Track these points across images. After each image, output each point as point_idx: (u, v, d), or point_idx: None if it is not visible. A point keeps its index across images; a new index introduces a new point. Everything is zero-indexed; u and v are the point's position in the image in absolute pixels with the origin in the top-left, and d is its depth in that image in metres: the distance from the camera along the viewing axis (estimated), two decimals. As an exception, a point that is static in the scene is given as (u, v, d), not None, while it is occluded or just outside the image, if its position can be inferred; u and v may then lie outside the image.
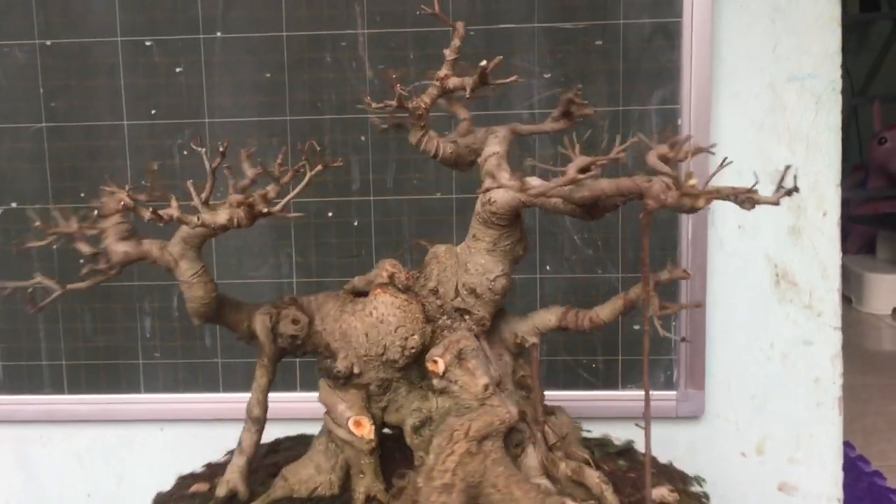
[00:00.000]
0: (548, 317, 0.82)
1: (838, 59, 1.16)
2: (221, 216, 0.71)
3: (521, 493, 0.70)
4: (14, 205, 1.25)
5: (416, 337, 0.76)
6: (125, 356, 1.27)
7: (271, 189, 0.70)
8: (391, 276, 0.79)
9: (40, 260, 1.26)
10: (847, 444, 2.04)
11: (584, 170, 0.66)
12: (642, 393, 1.23)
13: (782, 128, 1.19)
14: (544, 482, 0.74)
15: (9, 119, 1.23)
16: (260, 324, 0.81)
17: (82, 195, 1.25)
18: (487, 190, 0.73)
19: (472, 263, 0.77)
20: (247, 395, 1.27)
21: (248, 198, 0.70)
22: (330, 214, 1.23)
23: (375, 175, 1.22)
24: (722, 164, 0.69)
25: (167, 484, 1.30)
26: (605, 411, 1.23)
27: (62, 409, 1.28)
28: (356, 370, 0.77)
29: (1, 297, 1.24)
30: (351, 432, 0.77)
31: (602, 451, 0.91)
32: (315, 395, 0.91)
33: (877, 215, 3.66)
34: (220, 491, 0.82)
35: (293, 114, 1.22)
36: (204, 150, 0.74)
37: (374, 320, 0.77)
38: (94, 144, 1.24)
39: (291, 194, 0.70)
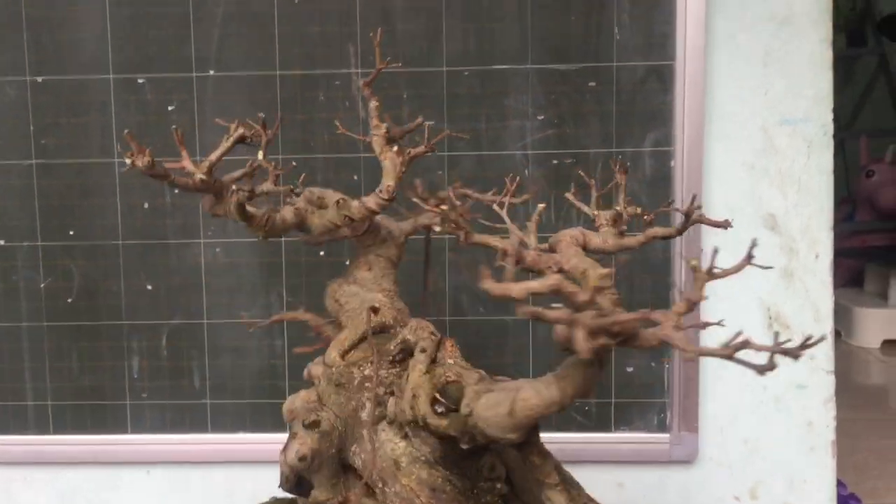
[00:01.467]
0: None
1: (830, 103, 1.17)
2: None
3: None
4: (2, 242, 1.24)
5: None
6: (112, 396, 1.26)
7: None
8: None
9: (28, 300, 1.24)
10: (839, 483, 2.03)
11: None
12: (636, 435, 1.23)
13: (774, 170, 1.19)
14: None
15: (-2, 156, 1.23)
16: None
17: (71, 233, 1.24)
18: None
19: None
20: (235, 437, 1.27)
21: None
22: (322, 254, 1.23)
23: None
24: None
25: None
26: (597, 455, 1.23)
27: (47, 449, 1.26)
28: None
29: (-14, 337, 1.22)
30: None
31: None
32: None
33: (864, 248, 3.68)
34: None
35: (286, 152, 1.21)
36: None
37: None
38: (84, 182, 1.23)
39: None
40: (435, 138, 0.83)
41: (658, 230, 0.77)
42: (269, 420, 1.25)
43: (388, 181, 0.79)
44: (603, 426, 1.23)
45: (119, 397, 1.26)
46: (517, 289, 0.54)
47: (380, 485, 0.73)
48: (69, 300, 1.25)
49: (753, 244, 0.61)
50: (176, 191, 1.22)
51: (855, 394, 2.81)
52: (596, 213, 0.78)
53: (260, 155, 0.80)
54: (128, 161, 0.71)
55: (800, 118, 1.18)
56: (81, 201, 1.23)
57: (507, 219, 0.71)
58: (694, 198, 0.79)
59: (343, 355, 0.81)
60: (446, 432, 0.68)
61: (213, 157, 0.75)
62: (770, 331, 1.21)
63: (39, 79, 1.22)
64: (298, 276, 1.23)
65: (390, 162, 0.80)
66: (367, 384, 0.77)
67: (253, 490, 1.13)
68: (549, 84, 1.19)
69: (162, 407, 1.26)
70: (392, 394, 0.74)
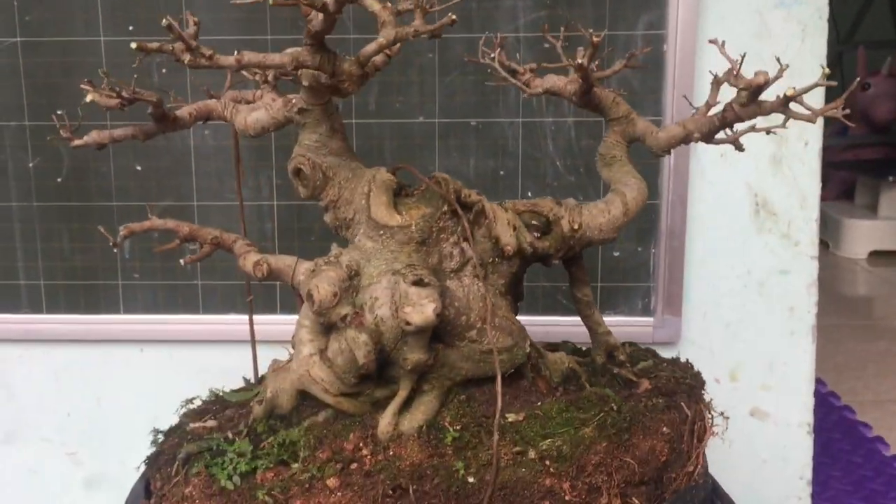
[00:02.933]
0: None
1: (826, -14, 1.16)
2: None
3: None
4: (-11, 121, 1.23)
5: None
6: (104, 277, 1.27)
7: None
8: None
9: (17, 179, 1.24)
10: (819, 381, 2.08)
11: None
12: (621, 318, 1.25)
13: (768, 54, 1.18)
14: None
15: (-18, 32, 1.21)
16: None
17: (59, 112, 1.22)
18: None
19: None
20: (226, 318, 1.28)
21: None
22: (311, 136, 1.22)
23: (357, 98, 1.21)
24: None
25: (146, 404, 1.31)
26: (582, 337, 1.25)
27: (40, 328, 1.28)
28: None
29: (-23, 214, 1.23)
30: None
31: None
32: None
33: (857, 161, 3.68)
34: None
35: (274, 33, 1.20)
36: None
37: None
38: (70, 60, 1.21)
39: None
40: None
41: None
42: (260, 301, 1.27)
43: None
44: (589, 309, 1.25)
45: (111, 278, 1.27)
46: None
47: (478, 324, 0.79)
48: (59, 180, 1.25)
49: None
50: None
51: (840, 303, 2.85)
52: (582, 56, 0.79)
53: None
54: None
55: (794, 1, 1.16)
56: (67, 80, 1.22)
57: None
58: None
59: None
60: (548, 251, 0.84)
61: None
62: (757, 217, 1.23)
63: (22, -46, 1.19)
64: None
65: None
66: (442, 235, 0.81)
67: (244, 368, 1.15)
68: (542, -37, 1.17)
69: (154, 287, 1.27)
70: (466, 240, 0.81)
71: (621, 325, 1.25)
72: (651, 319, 1.24)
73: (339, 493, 0.71)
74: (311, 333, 0.81)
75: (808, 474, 1.28)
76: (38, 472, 1.35)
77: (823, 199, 1.25)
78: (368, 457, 0.74)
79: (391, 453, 0.74)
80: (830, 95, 1.23)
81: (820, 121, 1.20)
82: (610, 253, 1.23)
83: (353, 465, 0.74)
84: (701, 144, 1.20)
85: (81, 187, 1.25)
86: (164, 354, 1.30)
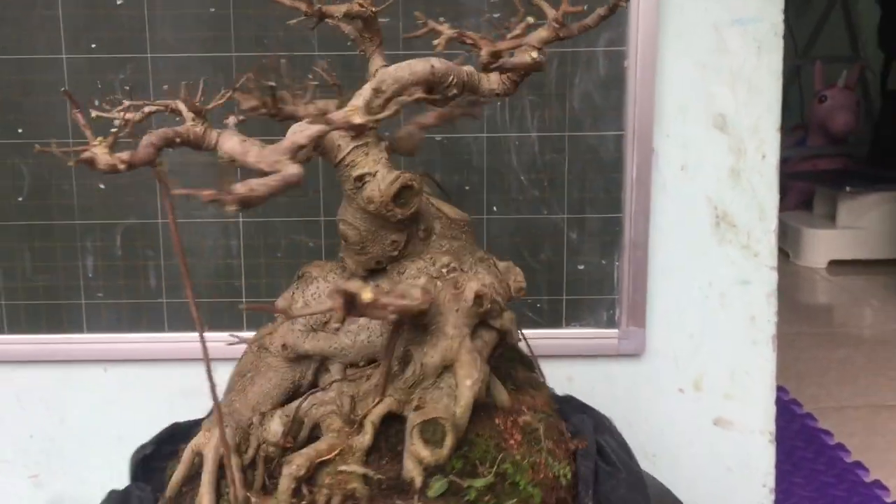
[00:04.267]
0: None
1: (781, 3, 1.18)
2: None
3: (228, 398, 0.77)
4: (-53, 140, 1.22)
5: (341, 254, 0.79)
6: (67, 296, 1.25)
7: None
8: None
9: (-24, 197, 1.23)
10: (780, 389, 2.12)
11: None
12: (586, 331, 1.27)
13: (725, 70, 1.21)
14: (272, 419, 0.76)
15: (-60, 50, 1.19)
16: None
17: (20, 131, 1.21)
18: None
19: None
20: (192, 336, 1.27)
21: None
22: (276, 153, 1.22)
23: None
24: None
25: (110, 424, 1.29)
26: (548, 349, 1.26)
27: (1, 349, 1.26)
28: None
29: (-65, 234, 1.21)
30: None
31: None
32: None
33: (815, 172, 3.75)
34: None
35: (239, 50, 1.20)
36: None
37: None
38: (30, 78, 1.20)
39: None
40: None
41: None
42: (226, 319, 1.26)
43: None
44: (554, 322, 1.26)
45: (74, 297, 1.25)
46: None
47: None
48: (20, 199, 1.23)
49: None
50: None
51: (801, 312, 2.90)
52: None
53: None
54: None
55: (751, 18, 1.19)
56: (27, 98, 1.21)
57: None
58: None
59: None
60: None
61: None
62: (717, 229, 1.25)
63: (-19, -29, 1.18)
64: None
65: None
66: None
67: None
68: (504, -18, 1.18)
69: (118, 306, 1.26)
70: None
71: (587, 338, 1.27)
72: (616, 331, 1.26)
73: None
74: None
75: (772, 482, 1.30)
76: (0, 495, 1.32)
77: (783, 209, 1.28)
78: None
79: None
80: (788, 108, 1.26)
81: (776, 134, 1.23)
82: (574, 266, 1.25)
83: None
84: (662, 158, 1.23)
85: (43, 206, 1.23)
86: (129, 374, 1.29)
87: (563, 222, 1.24)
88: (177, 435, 0.90)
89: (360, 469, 0.70)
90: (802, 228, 3.43)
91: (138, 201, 1.23)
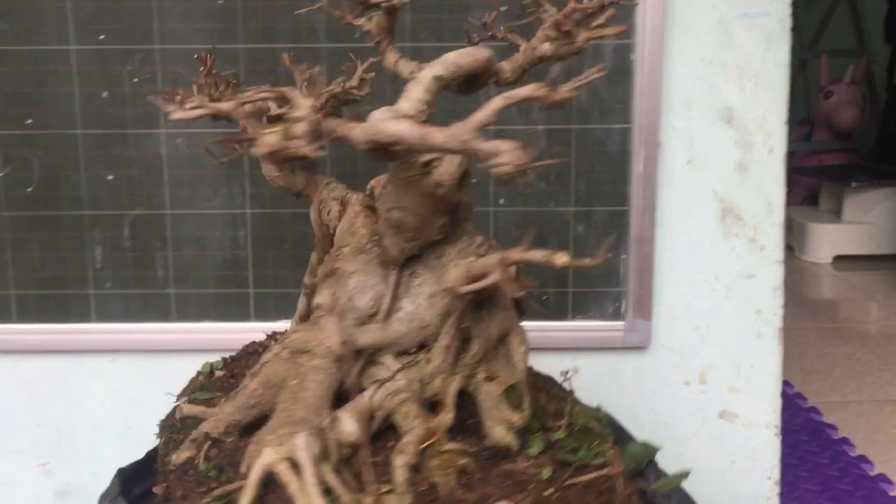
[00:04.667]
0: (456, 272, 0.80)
1: (788, -3, 1.19)
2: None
3: (282, 406, 0.71)
4: (-43, 130, 1.22)
5: (346, 248, 0.79)
6: (75, 286, 1.26)
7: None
8: (371, 189, 0.80)
9: (-14, 187, 1.23)
10: (785, 383, 2.12)
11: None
12: (592, 323, 1.27)
13: (732, 64, 1.21)
14: (344, 418, 0.72)
15: (-50, 41, 1.20)
16: (312, 207, 0.88)
17: (29, 122, 1.22)
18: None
19: (384, 191, 0.77)
20: (200, 326, 1.28)
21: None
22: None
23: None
24: None
25: (118, 414, 1.30)
26: (554, 342, 1.27)
27: (11, 338, 1.27)
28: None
29: (-55, 224, 1.22)
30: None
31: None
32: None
33: (820, 167, 3.75)
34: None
35: (246, 42, 1.20)
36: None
37: (344, 225, 0.81)
38: (40, 70, 1.21)
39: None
40: None
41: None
42: (233, 309, 1.27)
43: None
44: (560, 314, 1.27)
45: (82, 287, 1.26)
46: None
47: None
48: (29, 190, 1.24)
49: None
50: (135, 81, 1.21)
51: (806, 306, 2.90)
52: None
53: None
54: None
55: (759, 12, 1.19)
56: (37, 89, 1.21)
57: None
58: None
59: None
60: None
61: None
62: (724, 222, 1.25)
63: (-9, -38, 1.18)
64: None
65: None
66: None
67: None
68: (511, -26, 1.18)
69: (126, 297, 1.27)
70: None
71: (593, 330, 1.27)
72: (622, 324, 1.26)
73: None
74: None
75: (777, 475, 1.31)
76: (10, 483, 1.33)
77: (789, 204, 1.28)
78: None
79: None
80: (793, 102, 1.27)
81: (784, 127, 1.23)
82: (581, 258, 1.25)
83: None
84: (668, 152, 1.23)
85: (52, 197, 1.24)
86: (137, 364, 1.30)
87: (569, 215, 1.24)
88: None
89: (457, 446, 0.72)
90: (808, 223, 3.43)
91: (146, 192, 1.24)
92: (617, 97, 1.21)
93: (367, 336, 0.75)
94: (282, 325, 1.24)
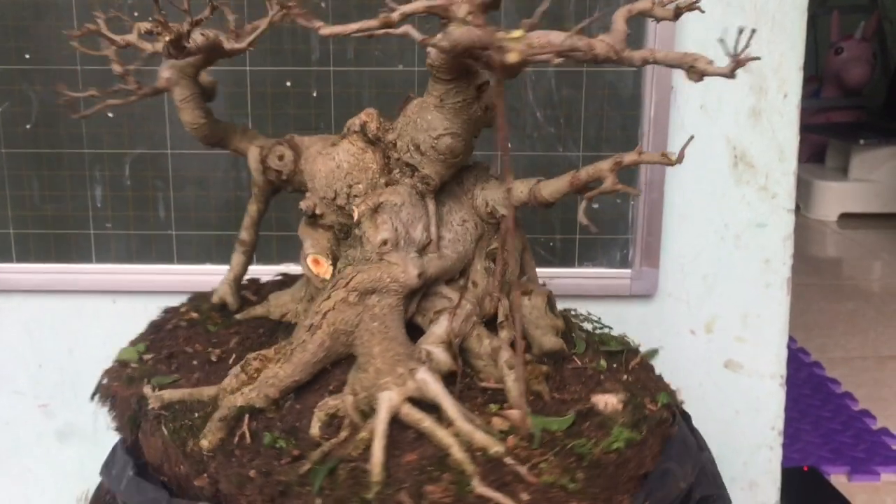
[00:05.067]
0: (520, 187, 0.81)
1: (808, -62, 1.15)
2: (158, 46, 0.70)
3: (379, 349, 0.69)
4: (-46, 64, 1.20)
5: (360, 185, 0.76)
6: (75, 226, 1.24)
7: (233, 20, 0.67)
8: (363, 125, 0.77)
9: (-16, 123, 1.21)
10: (789, 338, 2.12)
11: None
12: (599, 270, 1.25)
13: (749, 6, 1.17)
14: (436, 350, 0.72)
15: (-55, -29, 1.17)
16: (252, 155, 0.84)
17: (27, 56, 1.19)
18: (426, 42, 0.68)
19: (421, 119, 0.74)
20: (201, 268, 1.27)
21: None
22: (288, 84, 1.20)
23: (336, 45, 1.19)
24: None
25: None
26: (561, 289, 1.25)
27: (10, 278, 1.26)
28: (318, 211, 0.77)
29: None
30: (309, 268, 0.77)
31: (606, 350, 0.88)
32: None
33: (828, 124, 3.71)
34: (213, 299, 0.89)
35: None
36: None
37: (333, 165, 0.76)
38: (39, 2, 1.17)
39: (259, 31, 0.67)
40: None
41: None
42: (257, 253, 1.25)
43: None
44: (567, 262, 1.25)
45: (83, 227, 1.24)
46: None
47: None
48: (28, 126, 1.21)
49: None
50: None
51: (810, 263, 2.89)
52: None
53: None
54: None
55: (777, -47, 1.16)
56: (37, 22, 1.18)
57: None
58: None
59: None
60: None
61: None
62: (735, 170, 1.23)
63: None
64: (264, 107, 1.21)
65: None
66: None
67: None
68: None
69: (127, 237, 1.25)
70: None
71: (599, 277, 1.26)
72: (629, 272, 1.25)
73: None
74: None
75: (780, 425, 1.30)
76: (10, 423, 1.33)
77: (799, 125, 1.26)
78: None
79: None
80: (804, 56, 1.23)
81: (799, 73, 1.20)
82: (588, 205, 1.23)
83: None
84: (681, 97, 1.20)
85: (52, 134, 1.22)
86: (138, 305, 1.28)
87: (578, 160, 1.22)
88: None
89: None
90: (814, 181, 3.40)
91: (147, 131, 1.22)
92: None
93: (433, 267, 0.74)
94: (262, 269, 1.22)
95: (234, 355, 0.82)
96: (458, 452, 0.63)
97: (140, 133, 1.22)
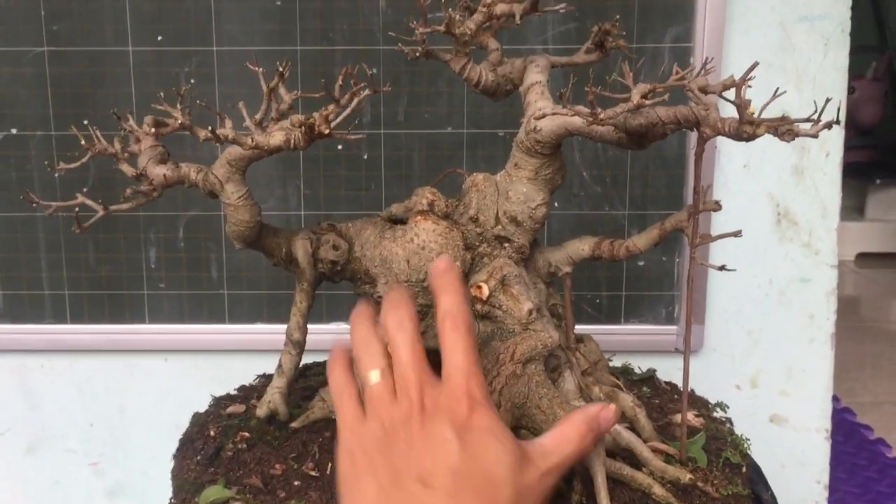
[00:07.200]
0: (581, 246, 0.84)
1: (848, 1, 1.18)
2: (276, 137, 0.71)
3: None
4: (14, 131, 1.22)
5: (457, 263, 0.77)
6: (129, 287, 1.26)
7: (332, 109, 0.69)
8: (431, 204, 0.79)
9: (42, 189, 1.24)
10: (834, 398, 2.12)
11: (644, 97, 0.67)
12: (643, 327, 1.27)
13: (791, 68, 1.20)
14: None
15: (9, 42, 1.20)
16: (301, 249, 0.81)
17: (85, 122, 1.22)
18: (536, 117, 0.74)
19: (514, 192, 0.78)
20: (252, 327, 1.29)
21: (308, 118, 0.69)
22: (339, 147, 1.23)
23: (386, 108, 1.22)
24: (751, 68, 0.68)
25: (170, 414, 1.31)
26: (608, 346, 1.26)
27: (64, 338, 1.27)
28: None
29: (4, 225, 1.22)
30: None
31: (626, 379, 0.94)
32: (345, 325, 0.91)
33: (844, 164, 3.73)
34: (261, 411, 0.83)
35: (303, 44, 1.20)
36: (261, 70, 0.73)
37: (415, 247, 0.78)
38: (97, 70, 1.21)
39: (346, 111, 0.69)
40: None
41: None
42: (286, 311, 1.27)
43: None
44: (613, 318, 1.27)
45: (136, 287, 1.26)
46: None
47: None
48: (84, 190, 1.23)
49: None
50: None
51: (830, 304, 2.89)
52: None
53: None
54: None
55: (818, 15, 1.19)
56: (95, 90, 1.21)
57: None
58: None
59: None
60: None
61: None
62: (779, 227, 1.25)
63: (47, -38, 1.18)
64: (316, 169, 1.23)
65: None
66: None
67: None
68: (570, -23, 1.18)
69: (179, 297, 1.27)
70: None
71: (646, 334, 1.27)
72: (675, 328, 1.26)
73: None
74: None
75: (826, 478, 1.31)
76: (62, 483, 1.34)
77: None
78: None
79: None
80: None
81: (841, 132, 1.23)
82: (635, 262, 1.25)
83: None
84: (724, 156, 1.23)
85: (108, 198, 1.23)
86: (189, 364, 1.30)
87: (624, 219, 1.24)
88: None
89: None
90: (831, 221, 3.41)
91: (200, 194, 1.23)
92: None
93: (556, 334, 0.79)
94: (332, 327, 1.24)
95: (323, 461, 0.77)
96: (659, 489, 0.71)
97: (193, 195, 1.24)
